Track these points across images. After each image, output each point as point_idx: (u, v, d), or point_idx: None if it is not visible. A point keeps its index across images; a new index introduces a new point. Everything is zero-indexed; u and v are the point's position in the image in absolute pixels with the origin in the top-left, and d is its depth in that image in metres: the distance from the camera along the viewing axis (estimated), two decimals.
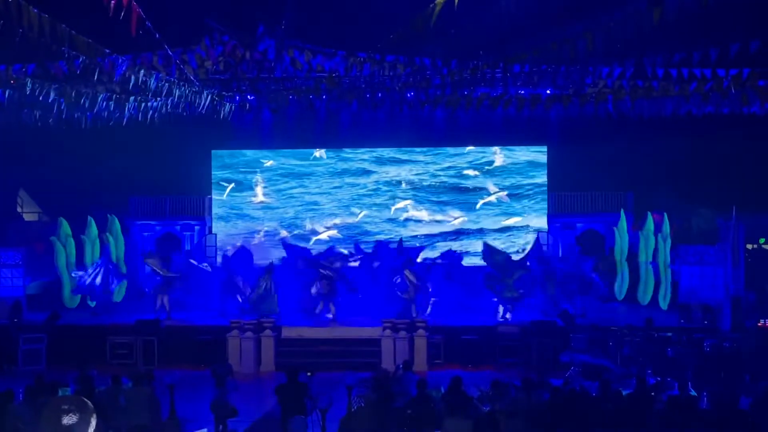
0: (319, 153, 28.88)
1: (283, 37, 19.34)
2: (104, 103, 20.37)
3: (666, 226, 24.66)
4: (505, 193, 28.03)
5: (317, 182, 28.82)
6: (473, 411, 11.06)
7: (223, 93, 20.54)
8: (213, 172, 28.94)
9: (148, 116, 21.31)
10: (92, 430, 4.52)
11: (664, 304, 24.20)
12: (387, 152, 28.70)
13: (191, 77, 19.02)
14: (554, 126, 27.30)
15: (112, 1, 11.88)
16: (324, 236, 28.33)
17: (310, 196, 28.82)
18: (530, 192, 28.18)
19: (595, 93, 19.33)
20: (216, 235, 28.51)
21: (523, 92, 19.96)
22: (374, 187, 28.65)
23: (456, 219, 28.27)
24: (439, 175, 28.53)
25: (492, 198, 28.16)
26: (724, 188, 25.10)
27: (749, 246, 24.52)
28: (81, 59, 17.05)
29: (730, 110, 18.71)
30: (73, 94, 19.77)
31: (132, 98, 20.48)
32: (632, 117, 20.04)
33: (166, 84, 18.98)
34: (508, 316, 21.90)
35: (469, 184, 28.42)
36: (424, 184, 28.54)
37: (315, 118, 25.89)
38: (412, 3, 15.15)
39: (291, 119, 25.18)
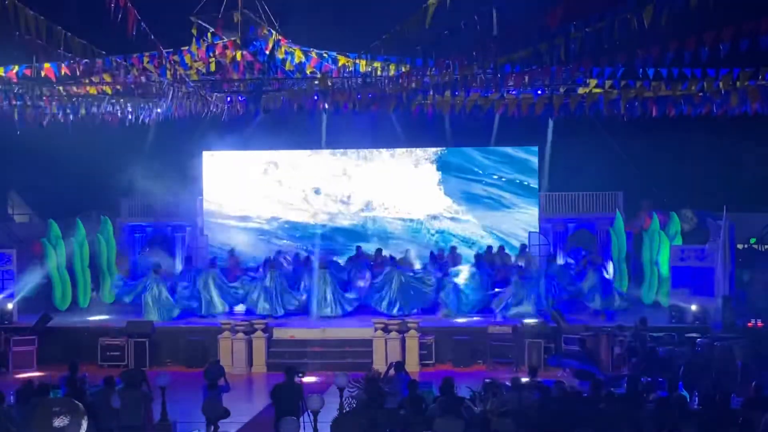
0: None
1: (275, 38, 19.27)
2: (96, 104, 20.29)
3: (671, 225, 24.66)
4: None
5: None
6: (465, 411, 11.07)
7: (215, 93, 20.45)
8: (204, 173, 28.85)
9: (140, 117, 21.24)
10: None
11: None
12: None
13: (182, 78, 18.94)
14: (545, 126, 27.40)
15: (112, 2, 11.89)
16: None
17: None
18: None
19: (586, 93, 19.34)
20: (208, 236, 28.39)
21: (514, 93, 19.93)
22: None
23: None
24: None
25: None
26: (716, 188, 25.22)
27: (740, 245, 24.57)
28: (73, 60, 16.99)
29: (721, 110, 18.73)
30: (65, 95, 19.71)
31: (123, 99, 20.40)
32: (623, 117, 20.05)
33: (158, 85, 18.92)
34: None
35: None
36: None
37: (308, 119, 25.85)
38: (404, 4, 15.21)
39: (283, 120, 25.11)
